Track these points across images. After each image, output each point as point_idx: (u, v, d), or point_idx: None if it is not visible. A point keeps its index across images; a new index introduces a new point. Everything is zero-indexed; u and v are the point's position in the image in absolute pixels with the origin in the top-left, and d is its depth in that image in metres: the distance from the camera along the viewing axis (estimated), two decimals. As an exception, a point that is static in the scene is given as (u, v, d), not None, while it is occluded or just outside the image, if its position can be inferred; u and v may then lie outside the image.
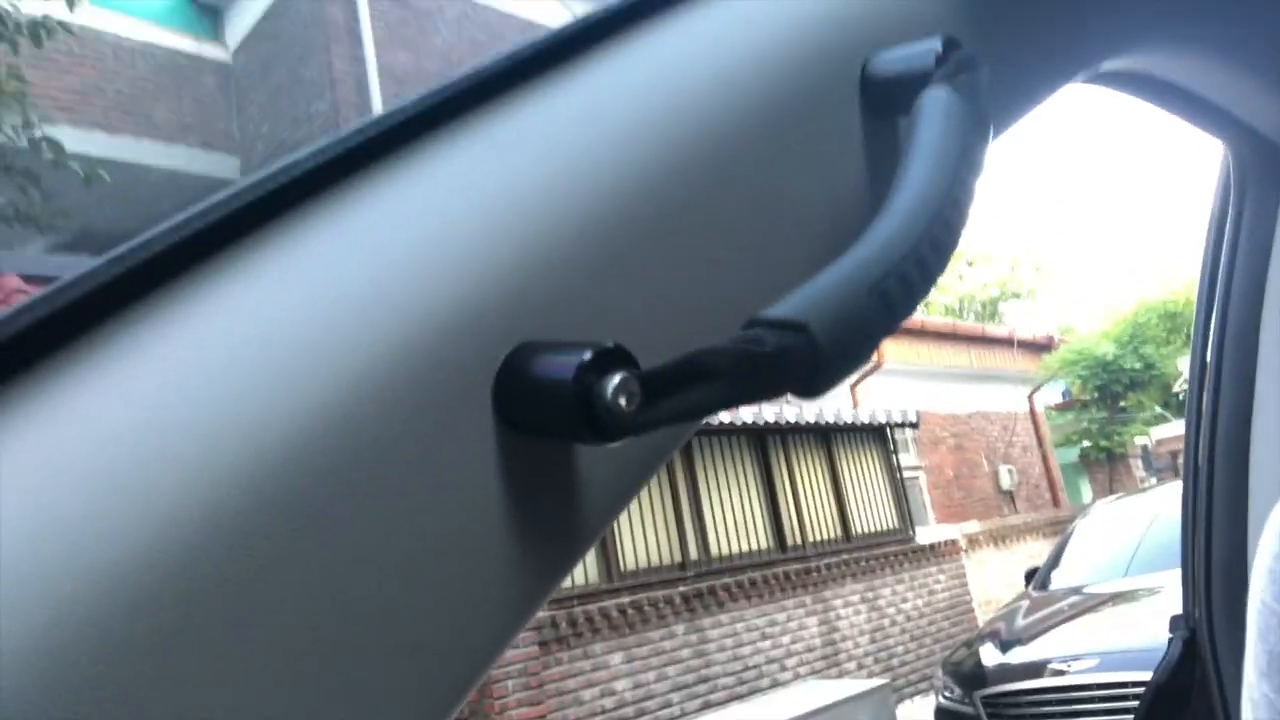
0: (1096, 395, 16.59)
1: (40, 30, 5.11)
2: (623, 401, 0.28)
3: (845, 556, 9.25)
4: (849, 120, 0.42)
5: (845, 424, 9.58)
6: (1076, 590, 5.93)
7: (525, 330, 0.31)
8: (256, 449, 0.26)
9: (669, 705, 7.32)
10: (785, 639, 8.38)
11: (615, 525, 7.93)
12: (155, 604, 0.23)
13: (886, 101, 0.43)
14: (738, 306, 0.35)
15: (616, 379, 0.28)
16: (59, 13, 5.19)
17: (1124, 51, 0.61)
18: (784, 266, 0.40)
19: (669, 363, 0.29)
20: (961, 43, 0.41)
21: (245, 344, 0.27)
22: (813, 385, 0.29)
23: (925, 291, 0.32)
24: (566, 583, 7.40)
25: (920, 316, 13.92)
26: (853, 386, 11.37)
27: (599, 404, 0.28)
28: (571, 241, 0.33)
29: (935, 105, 0.38)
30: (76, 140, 5.89)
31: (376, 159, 0.32)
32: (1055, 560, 6.84)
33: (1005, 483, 13.52)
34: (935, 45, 0.40)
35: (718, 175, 0.38)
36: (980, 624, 8.87)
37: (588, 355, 0.28)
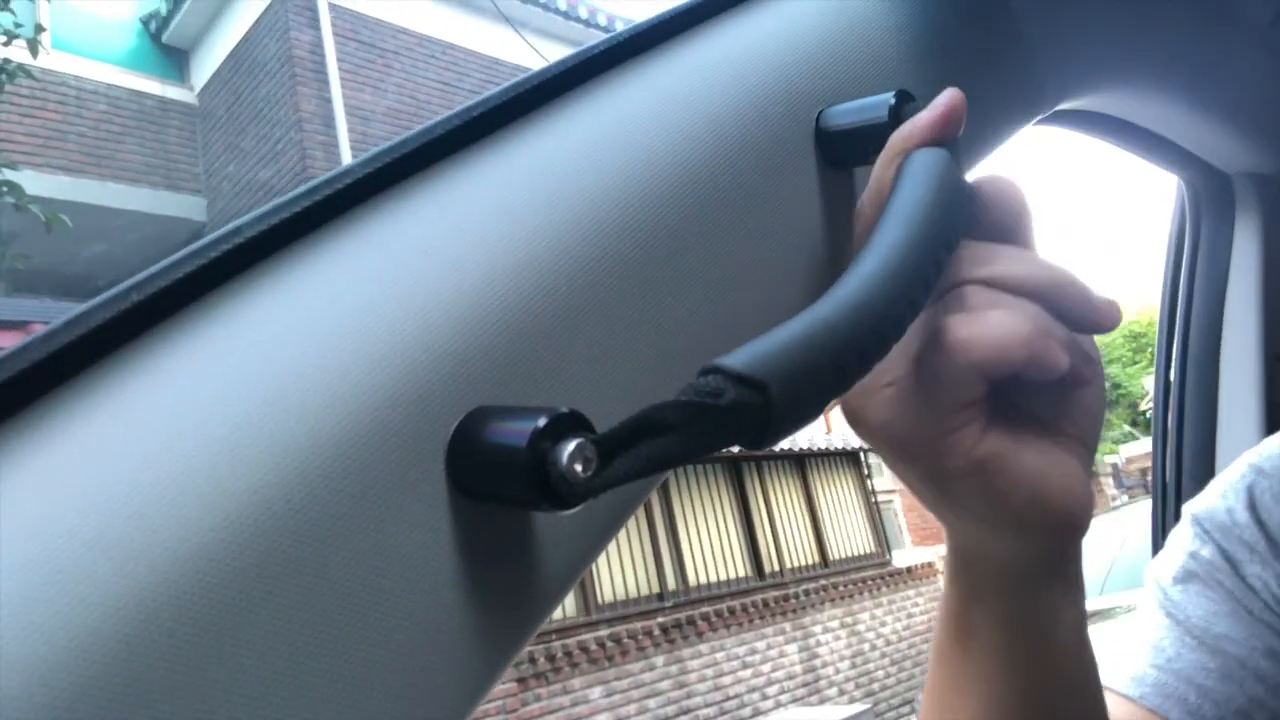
0: (1065, 414, 16.70)
1: (1, 75, 5.08)
2: (578, 468, 0.27)
3: (823, 582, 9.25)
4: (805, 174, 0.43)
5: (819, 450, 9.61)
6: (1052, 609, 5.96)
7: (479, 394, 0.31)
8: (200, 529, 0.25)
9: (650, 739, 7.25)
10: (765, 667, 8.34)
11: (592, 558, 7.87)
12: (98, 690, 0.22)
13: (842, 154, 0.43)
14: (696, 361, 0.34)
15: (571, 446, 0.27)
16: (21, 56, 5.16)
17: (1078, 93, 0.63)
18: (741, 320, 0.39)
19: (623, 424, 0.28)
20: (914, 96, 0.41)
21: (185, 412, 0.26)
22: (759, 440, 0.29)
23: (879, 360, 0.32)
24: (544, 617, 7.32)
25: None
26: (826, 413, 11.41)
27: (554, 472, 0.27)
28: (526, 302, 0.33)
29: (924, 166, 0.38)
30: (39, 184, 5.84)
31: (322, 223, 0.31)
32: (1031, 580, 6.87)
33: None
34: (888, 99, 0.41)
35: (673, 231, 0.38)
36: (959, 646, 8.84)
37: (542, 422, 0.27)
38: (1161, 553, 0.70)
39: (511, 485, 0.28)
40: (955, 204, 0.37)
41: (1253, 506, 0.66)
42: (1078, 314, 0.36)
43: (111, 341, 0.27)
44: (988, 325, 0.35)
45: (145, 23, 8.08)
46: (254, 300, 0.29)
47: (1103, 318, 0.36)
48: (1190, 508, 0.70)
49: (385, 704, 0.28)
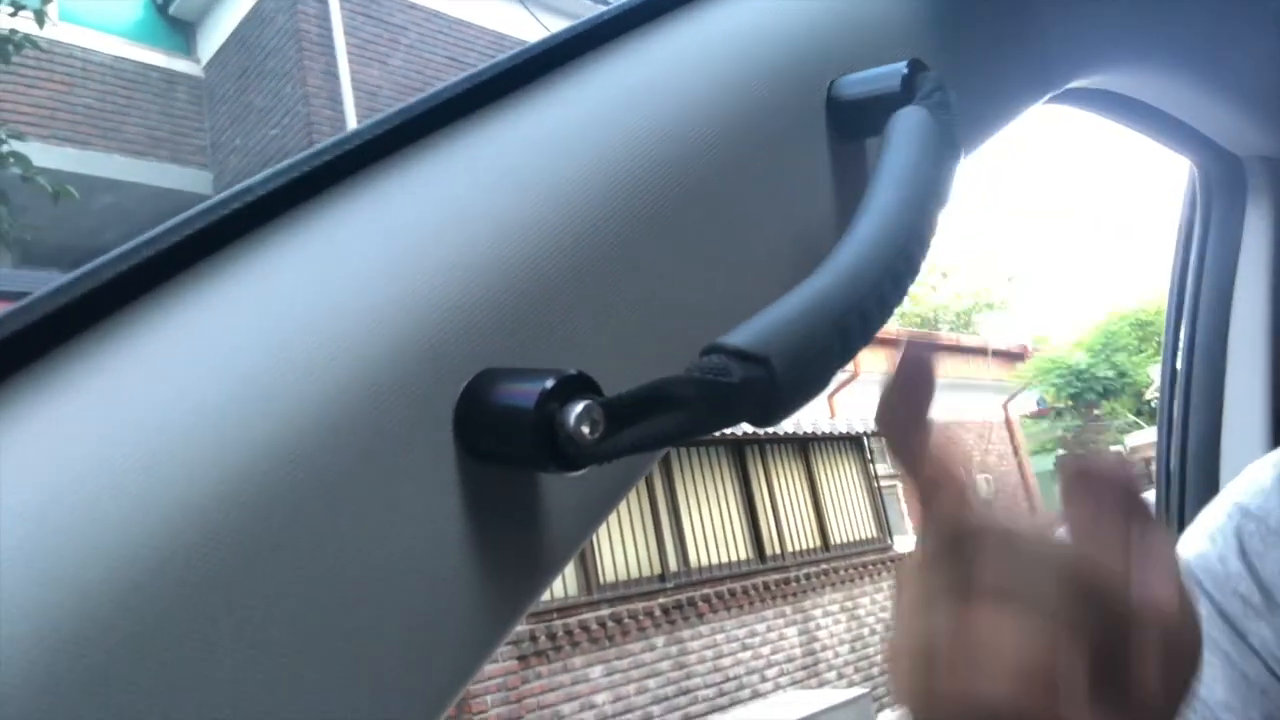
0: (1070, 404, 16.76)
1: (8, 46, 5.07)
2: (585, 430, 0.27)
3: (824, 566, 9.27)
4: (815, 143, 0.43)
5: (823, 434, 9.62)
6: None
7: (487, 357, 0.31)
8: (209, 480, 0.25)
9: (649, 718, 7.30)
10: (765, 649, 8.38)
11: (594, 537, 7.95)
12: (103, 638, 0.23)
13: (853, 124, 0.43)
14: (703, 329, 0.35)
15: (579, 407, 0.27)
16: (28, 27, 5.14)
17: (1090, 71, 0.62)
18: (750, 288, 0.39)
19: (632, 391, 0.28)
20: (928, 66, 0.41)
21: (196, 373, 0.27)
22: (769, 416, 0.29)
23: (881, 325, 0.32)
24: (545, 595, 7.37)
25: (895, 327, 14.00)
26: (830, 396, 11.42)
27: (561, 433, 0.27)
28: (534, 266, 0.33)
29: (908, 126, 0.38)
30: (46, 155, 5.83)
31: (335, 184, 0.31)
32: (1031, 567, 6.88)
33: (981, 491, 13.58)
34: (901, 69, 0.40)
35: (683, 199, 0.38)
36: (958, 631, 8.89)
37: (550, 383, 0.28)
38: None
39: (519, 446, 0.28)
40: (943, 155, 0.37)
41: (1243, 552, 0.63)
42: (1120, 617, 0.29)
43: (127, 294, 0.27)
44: (968, 672, 0.28)
45: (153, -5, 8.05)
46: (264, 257, 0.29)
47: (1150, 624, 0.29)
48: (1182, 553, 0.67)
49: (391, 659, 0.28)
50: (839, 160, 0.43)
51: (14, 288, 5.27)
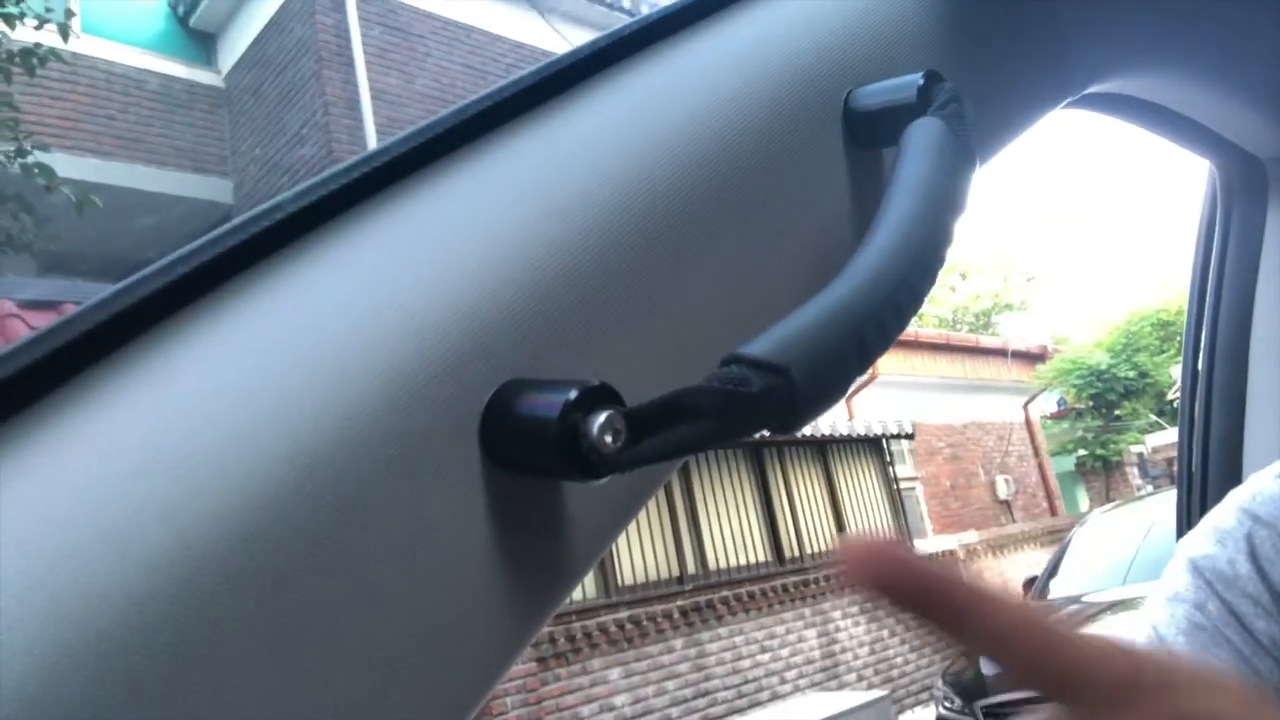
0: (1091, 404, 16.60)
1: (33, 58, 5.12)
2: (608, 439, 0.28)
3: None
4: (832, 153, 0.43)
5: (841, 436, 9.58)
6: (1075, 599, 5.92)
7: (512, 367, 0.32)
8: (238, 490, 0.26)
9: (669, 721, 7.29)
10: (784, 651, 8.35)
11: (613, 541, 7.87)
12: (139, 649, 0.23)
13: (870, 134, 0.43)
14: (722, 339, 0.35)
15: (602, 417, 0.28)
16: (52, 40, 5.21)
17: (1108, 76, 0.62)
18: (770, 298, 0.40)
19: (654, 401, 0.29)
20: (944, 76, 0.41)
21: (226, 386, 0.27)
22: (787, 425, 0.30)
23: (899, 333, 0.33)
24: (565, 600, 7.31)
25: (914, 328, 13.89)
26: (848, 398, 11.37)
27: (584, 442, 0.28)
28: (556, 278, 0.33)
29: (923, 137, 0.38)
30: (69, 166, 5.89)
31: (361, 199, 0.32)
32: (1053, 569, 6.83)
33: (1002, 492, 13.50)
34: (917, 79, 0.41)
35: (702, 210, 0.38)
36: (980, 634, 8.81)
37: (573, 394, 0.28)
38: (1158, 604, 0.67)
39: (543, 455, 0.29)
40: (959, 165, 0.38)
41: (1254, 557, 0.64)
42: None
43: (163, 310, 0.28)
44: None
45: (173, 7, 8.11)
46: (294, 272, 0.30)
47: None
48: (1187, 553, 0.67)
49: (416, 665, 0.29)
50: (856, 171, 0.44)
51: (39, 296, 5.33)
